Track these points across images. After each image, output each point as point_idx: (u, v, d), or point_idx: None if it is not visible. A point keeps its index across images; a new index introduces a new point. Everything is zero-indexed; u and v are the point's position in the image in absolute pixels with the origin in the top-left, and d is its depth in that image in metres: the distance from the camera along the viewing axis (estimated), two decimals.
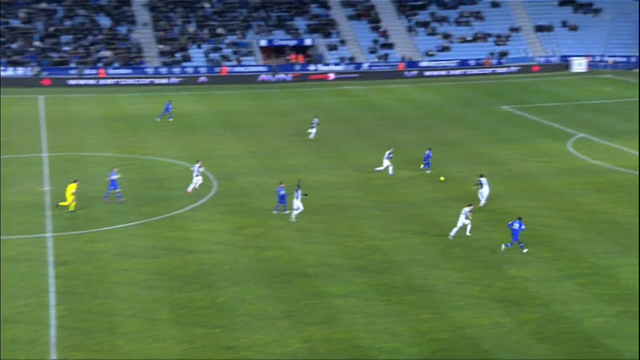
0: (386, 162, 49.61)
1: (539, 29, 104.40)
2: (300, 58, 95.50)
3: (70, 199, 41.87)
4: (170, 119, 65.95)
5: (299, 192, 40.98)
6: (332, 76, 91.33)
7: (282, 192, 41.81)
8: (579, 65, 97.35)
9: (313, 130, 59.80)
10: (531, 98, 78.80)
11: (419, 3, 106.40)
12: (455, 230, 38.38)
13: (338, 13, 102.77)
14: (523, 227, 36.90)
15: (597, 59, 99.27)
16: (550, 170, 51.29)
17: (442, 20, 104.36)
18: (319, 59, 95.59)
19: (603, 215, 42.22)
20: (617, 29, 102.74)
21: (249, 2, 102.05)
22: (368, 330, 29.67)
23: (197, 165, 46.03)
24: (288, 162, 52.90)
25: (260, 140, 59.37)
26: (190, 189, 45.63)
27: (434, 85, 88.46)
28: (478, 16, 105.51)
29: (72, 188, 42.01)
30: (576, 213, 42.56)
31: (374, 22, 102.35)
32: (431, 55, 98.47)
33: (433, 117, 69.40)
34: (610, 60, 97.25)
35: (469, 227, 38.74)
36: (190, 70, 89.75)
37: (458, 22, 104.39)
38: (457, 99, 79.14)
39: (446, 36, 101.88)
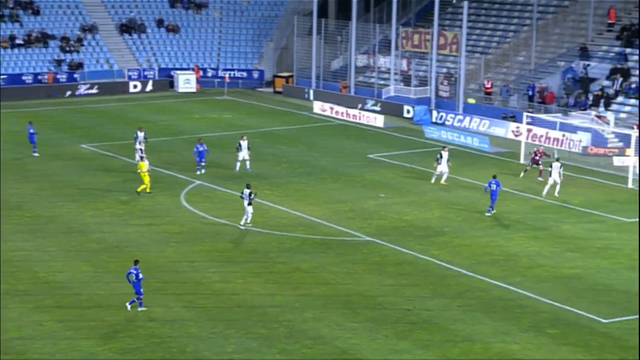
0: None
1: (125, 28, 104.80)
2: None
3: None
4: None
5: None
6: None
7: None
8: (187, 82, 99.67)
9: None
10: (118, 131, 78.69)
11: None
12: None
13: None
14: (501, 186, 53.63)
15: (210, 73, 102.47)
16: (159, 237, 50.98)
17: None
18: None
19: (233, 296, 42.57)
20: (231, 32, 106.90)
21: None
22: None
23: None
24: None
25: None
26: None
27: None
28: (30, 7, 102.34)
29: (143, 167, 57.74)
30: (196, 296, 42.49)
31: None
32: None
33: None
34: (227, 76, 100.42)
35: None
36: None
37: None
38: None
39: None
